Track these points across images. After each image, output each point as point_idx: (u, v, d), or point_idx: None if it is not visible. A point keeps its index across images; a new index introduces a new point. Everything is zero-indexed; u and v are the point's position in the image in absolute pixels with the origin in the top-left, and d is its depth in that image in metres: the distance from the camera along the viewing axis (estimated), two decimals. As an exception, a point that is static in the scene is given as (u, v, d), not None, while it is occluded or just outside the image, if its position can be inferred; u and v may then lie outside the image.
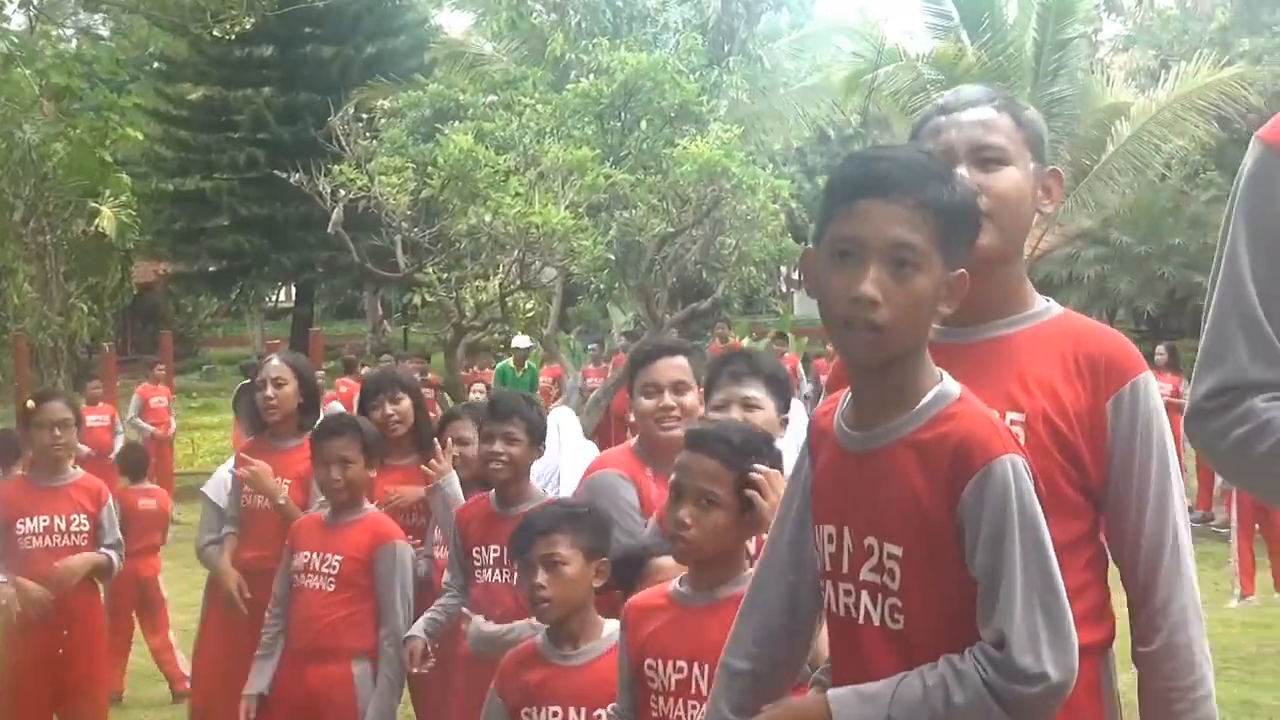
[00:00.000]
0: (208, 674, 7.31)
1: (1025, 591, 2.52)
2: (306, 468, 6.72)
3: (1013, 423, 2.84)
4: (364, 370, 22.97)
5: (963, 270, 2.65)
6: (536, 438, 5.89)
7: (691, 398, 5.10)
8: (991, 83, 27.08)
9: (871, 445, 2.72)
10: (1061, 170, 2.79)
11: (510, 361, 24.74)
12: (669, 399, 5.07)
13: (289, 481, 6.79)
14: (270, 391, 6.81)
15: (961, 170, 2.88)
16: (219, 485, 7.44)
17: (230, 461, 7.54)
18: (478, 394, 19.77)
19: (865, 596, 2.70)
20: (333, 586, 5.83)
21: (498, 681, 4.49)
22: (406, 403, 6.95)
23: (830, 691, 2.73)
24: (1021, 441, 2.75)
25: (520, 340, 23.85)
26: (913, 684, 2.61)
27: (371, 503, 6.55)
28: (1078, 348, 3.04)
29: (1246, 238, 2.56)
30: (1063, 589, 2.56)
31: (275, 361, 7.10)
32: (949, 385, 2.71)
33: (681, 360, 5.22)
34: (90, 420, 18.25)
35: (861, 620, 2.71)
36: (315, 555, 5.89)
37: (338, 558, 5.86)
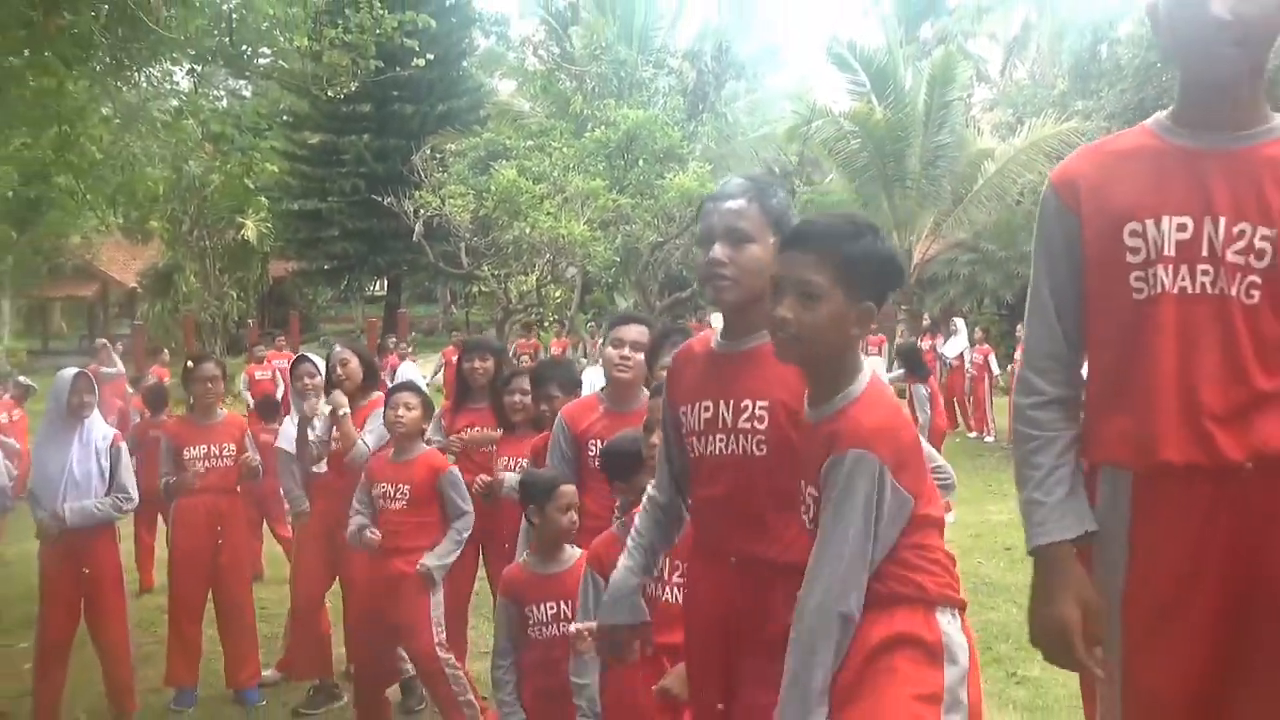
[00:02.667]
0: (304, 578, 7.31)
1: (832, 550, 2.54)
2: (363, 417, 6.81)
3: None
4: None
5: (870, 303, 2.66)
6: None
7: (642, 357, 5.00)
8: (884, 136, 27.19)
9: (812, 422, 2.74)
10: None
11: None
12: (628, 351, 5.02)
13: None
14: (340, 371, 6.84)
15: (717, 246, 2.93)
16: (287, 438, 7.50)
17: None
18: (526, 357, 19.73)
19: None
20: (406, 505, 5.85)
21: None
22: (491, 361, 6.91)
23: None
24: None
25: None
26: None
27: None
28: None
29: (1038, 254, 2.62)
30: (858, 563, 2.54)
31: (338, 350, 7.14)
32: (857, 387, 2.69)
33: (643, 329, 5.17)
34: (257, 374, 18.63)
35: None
36: (390, 485, 5.89)
37: (406, 487, 5.87)
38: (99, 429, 6.71)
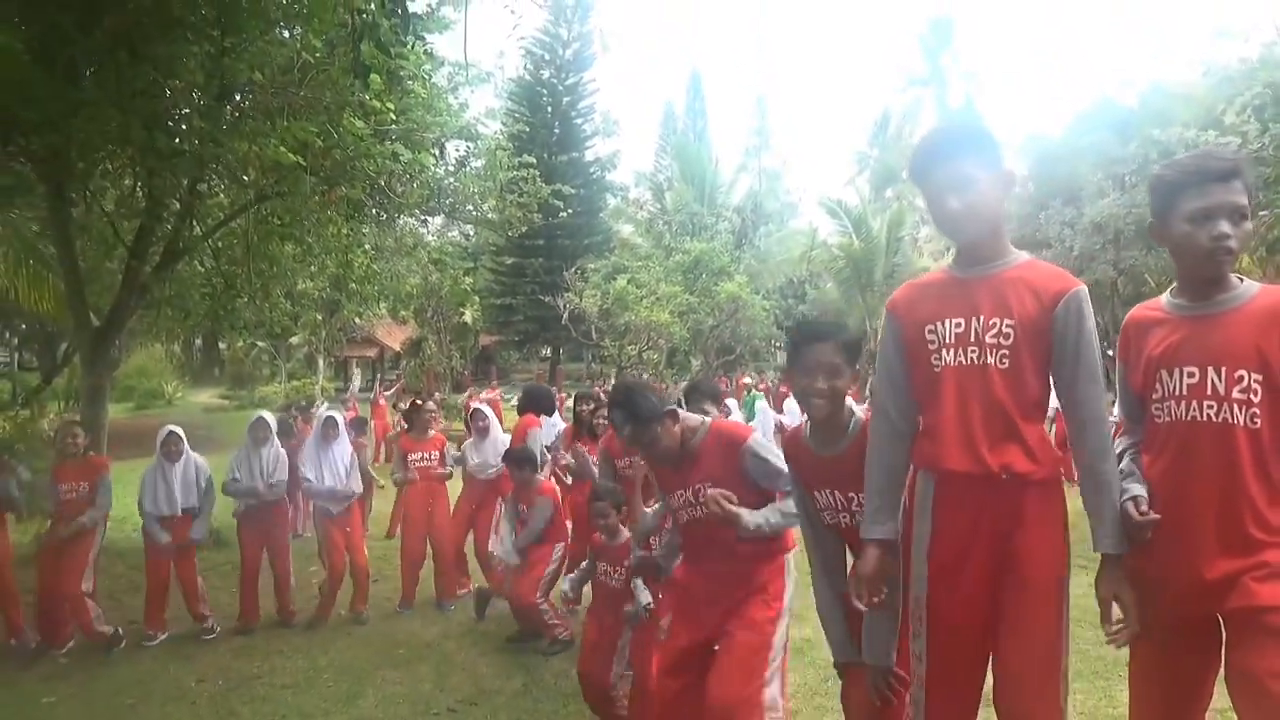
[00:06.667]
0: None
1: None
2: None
3: None
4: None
5: (858, 368, 2.98)
6: None
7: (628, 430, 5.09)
8: (860, 259, 26.87)
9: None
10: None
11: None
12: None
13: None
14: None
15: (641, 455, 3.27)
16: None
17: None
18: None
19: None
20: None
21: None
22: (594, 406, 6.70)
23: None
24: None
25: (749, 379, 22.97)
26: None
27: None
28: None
29: (881, 346, 2.68)
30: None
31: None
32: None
33: (620, 412, 5.13)
34: (472, 405, 18.24)
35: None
36: None
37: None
38: (344, 448, 6.88)
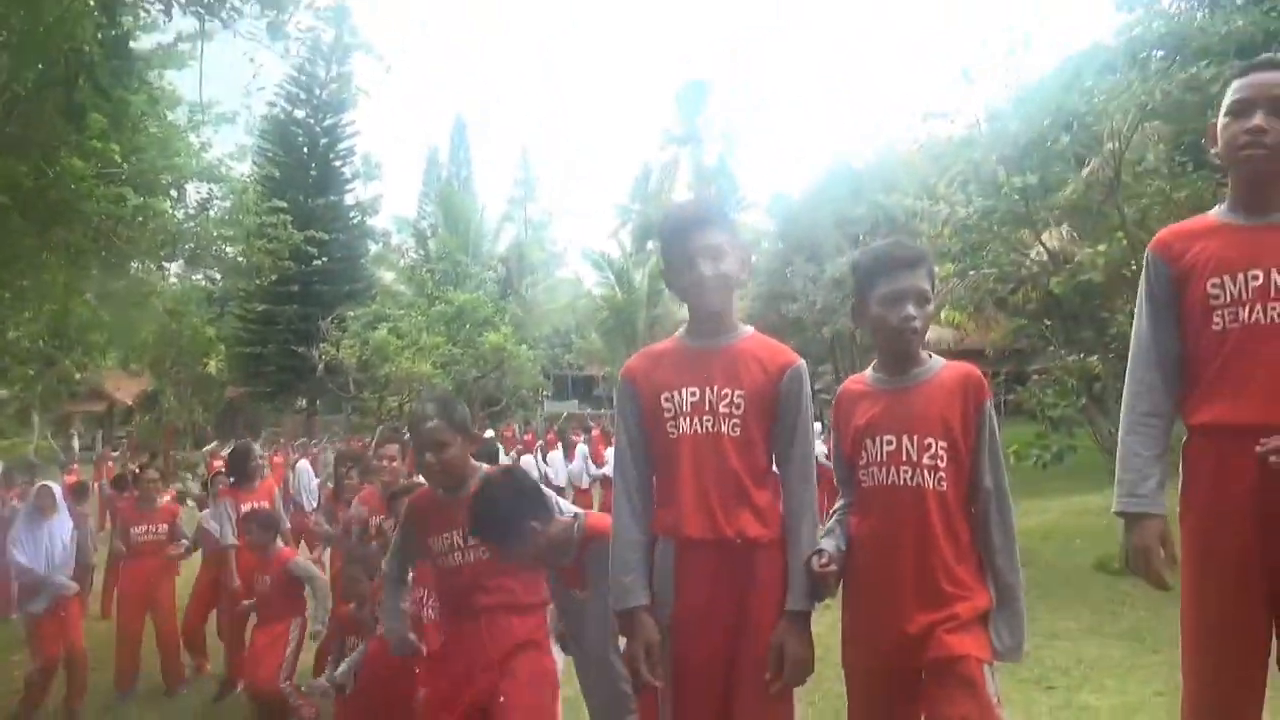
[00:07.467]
0: None
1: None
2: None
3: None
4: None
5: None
6: None
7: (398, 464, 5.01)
8: (623, 309, 27.44)
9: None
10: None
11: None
12: (385, 462, 5.08)
13: None
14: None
15: (429, 455, 3.15)
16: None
17: None
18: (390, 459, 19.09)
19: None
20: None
21: None
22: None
23: None
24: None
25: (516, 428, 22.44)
26: None
27: None
28: None
29: (618, 414, 2.71)
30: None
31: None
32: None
33: (395, 445, 5.07)
34: (216, 463, 16.59)
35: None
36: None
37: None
38: (63, 523, 6.15)
